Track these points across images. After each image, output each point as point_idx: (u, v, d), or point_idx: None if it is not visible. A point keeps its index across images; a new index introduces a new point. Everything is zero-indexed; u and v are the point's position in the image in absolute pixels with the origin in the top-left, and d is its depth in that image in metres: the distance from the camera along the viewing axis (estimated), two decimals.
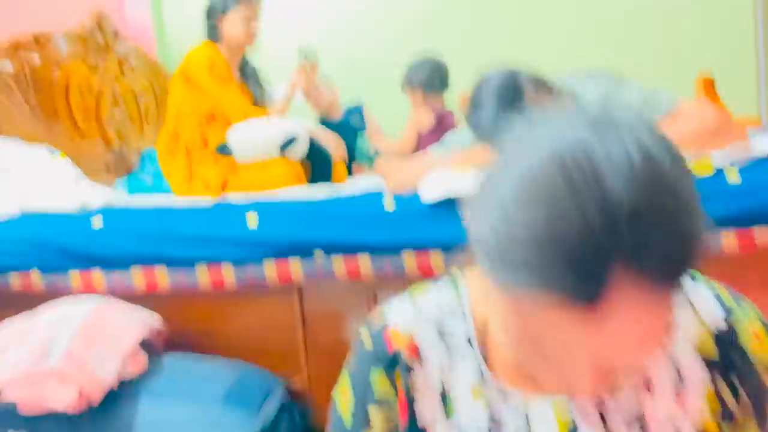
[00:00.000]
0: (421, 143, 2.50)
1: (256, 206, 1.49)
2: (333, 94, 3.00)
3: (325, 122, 3.05)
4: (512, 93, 1.37)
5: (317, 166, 2.53)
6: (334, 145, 2.58)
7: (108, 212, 1.66)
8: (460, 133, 1.60)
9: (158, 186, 2.54)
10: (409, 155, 2.53)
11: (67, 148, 2.40)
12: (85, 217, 1.62)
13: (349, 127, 3.06)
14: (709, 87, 1.81)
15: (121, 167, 2.75)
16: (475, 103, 1.43)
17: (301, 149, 2.42)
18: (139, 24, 3.49)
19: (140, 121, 2.96)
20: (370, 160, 2.71)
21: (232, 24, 2.49)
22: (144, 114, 2.98)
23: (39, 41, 2.31)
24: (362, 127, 3.03)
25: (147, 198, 2.25)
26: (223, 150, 2.37)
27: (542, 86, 1.41)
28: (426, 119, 2.50)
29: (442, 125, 2.49)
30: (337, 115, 3.02)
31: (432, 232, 1.36)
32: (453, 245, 1.35)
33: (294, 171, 2.38)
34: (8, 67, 2.15)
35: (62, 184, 2.00)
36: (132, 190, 2.52)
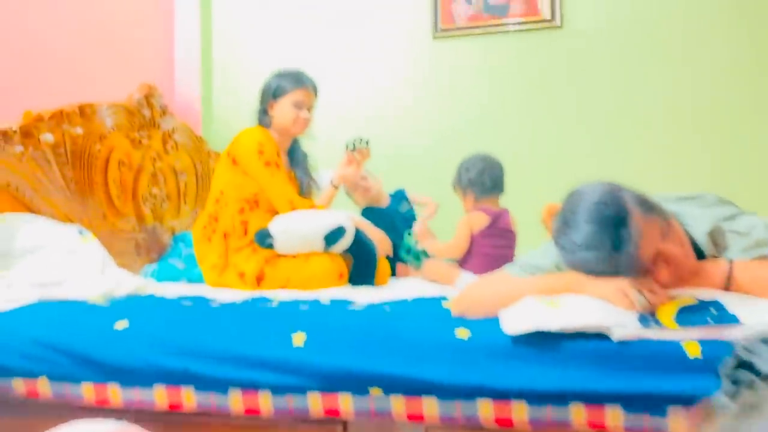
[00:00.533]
0: (474, 245, 2.29)
1: (304, 324, 1.27)
2: (378, 185, 2.86)
3: (369, 209, 2.90)
4: (613, 214, 1.18)
5: (360, 261, 2.34)
6: (379, 239, 2.40)
7: (132, 311, 1.46)
8: (543, 253, 1.39)
9: (190, 272, 2.36)
10: (459, 258, 2.32)
11: (99, 225, 2.26)
12: (106, 314, 1.42)
13: (395, 215, 2.90)
14: None
15: (153, 248, 2.59)
16: (566, 222, 1.23)
17: (346, 242, 2.23)
18: (187, 99, 3.45)
19: (178, 200, 2.82)
20: (417, 258, 2.50)
21: (282, 110, 2.40)
22: (183, 193, 2.85)
23: (84, 112, 2.21)
24: (410, 212, 2.86)
25: (176, 287, 2.07)
26: (263, 239, 2.20)
27: (648, 207, 1.21)
28: (479, 220, 2.29)
29: (497, 225, 2.28)
30: (384, 204, 2.87)
31: (515, 374, 1.13)
32: (538, 393, 1.15)
33: (336, 266, 2.19)
34: (49, 139, 2.03)
35: (88, 269, 1.83)
36: (162, 275, 2.34)
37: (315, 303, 1.68)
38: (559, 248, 1.26)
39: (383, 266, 2.47)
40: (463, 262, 2.30)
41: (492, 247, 2.26)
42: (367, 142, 2.52)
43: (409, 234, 2.54)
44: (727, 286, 1.22)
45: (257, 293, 1.95)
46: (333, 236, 2.18)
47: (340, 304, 1.66)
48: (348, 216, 2.36)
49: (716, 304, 1.15)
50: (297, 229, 2.19)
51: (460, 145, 3.33)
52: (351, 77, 3.47)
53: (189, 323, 1.36)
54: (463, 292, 1.38)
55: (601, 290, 1.17)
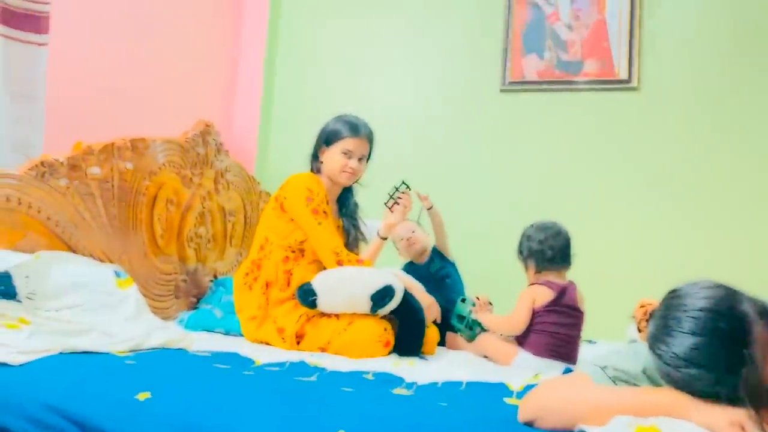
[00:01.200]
0: (535, 321, 2.06)
1: (346, 419, 1.08)
2: (426, 239, 2.69)
3: (411, 265, 2.72)
4: (729, 326, 0.97)
5: (407, 327, 2.15)
6: (428, 304, 2.21)
7: (158, 376, 1.31)
8: (631, 355, 1.18)
9: (228, 321, 2.22)
10: (518, 333, 2.10)
11: (139, 265, 2.15)
12: (129, 380, 1.27)
13: (441, 279, 2.72)
14: None
15: (193, 291, 2.47)
16: (667, 328, 1.03)
17: (394, 304, 2.06)
18: (244, 138, 3.38)
19: (224, 241, 2.71)
20: (470, 328, 2.29)
21: (331, 157, 2.28)
22: (230, 235, 2.75)
23: (136, 147, 2.13)
24: (445, 270, 2.67)
25: (210, 340, 1.92)
26: (307, 296, 2.04)
27: None
28: (542, 293, 2.07)
29: (562, 301, 2.06)
30: (424, 260, 2.69)
31: None
32: None
33: (382, 333, 2.01)
34: (96, 172, 1.94)
35: (120, 315, 1.70)
36: (197, 323, 2.21)
37: (359, 381, 1.50)
38: (656, 357, 1.05)
39: (432, 334, 2.27)
40: (522, 340, 2.08)
41: (555, 325, 2.03)
42: (408, 186, 2.35)
43: (463, 301, 2.33)
44: None
45: (296, 357, 1.78)
46: (380, 296, 2.01)
47: (385, 385, 1.47)
48: (396, 275, 2.19)
49: None
50: (342, 286, 2.03)
51: (525, 209, 3.15)
52: (413, 125, 3.35)
53: (218, 398, 1.19)
54: (533, 393, 1.18)
55: (710, 419, 0.96)
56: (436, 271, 2.68)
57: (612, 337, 2.96)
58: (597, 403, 1.08)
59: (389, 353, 2.04)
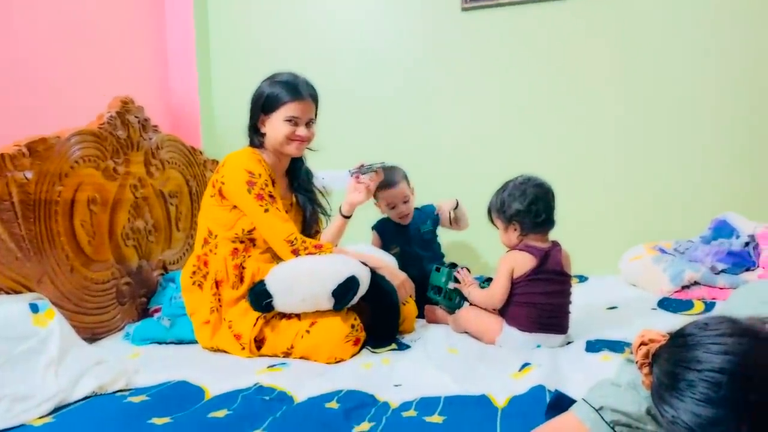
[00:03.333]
0: (518, 293, 1.83)
1: None
2: (412, 206, 2.44)
3: (386, 222, 2.48)
4: (761, 395, 0.74)
5: (380, 313, 1.93)
6: (400, 282, 1.98)
7: None
8: (628, 391, 0.97)
9: (180, 329, 1.99)
10: (498, 307, 1.88)
11: (65, 282, 1.88)
12: None
13: (431, 241, 2.50)
14: None
15: (140, 290, 2.22)
16: (675, 389, 0.80)
17: (359, 295, 1.83)
18: (184, 106, 3.01)
19: (169, 228, 2.43)
20: (450, 299, 2.08)
21: (274, 128, 1.97)
22: (174, 218, 2.46)
23: (35, 151, 1.79)
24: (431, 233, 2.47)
25: (156, 371, 1.69)
26: (260, 299, 1.80)
27: None
28: (524, 261, 1.82)
29: (545, 265, 1.82)
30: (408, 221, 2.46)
31: None
32: None
33: (348, 330, 1.79)
34: None
35: (38, 365, 1.46)
36: (146, 335, 1.97)
37: (317, 418, 1.29)
38: (661, 413, 0.83)
39: (409, 310, 2.06)
40: (506, 313, 1.87)
41: (541, 295, 1.81)
42: (384, 165, 2.10)
43: (438, 270, 2.10)
44: None
45: (252, 380, 1.56)
46: (343, 291, 1.77)
47: (349, 421, 1.26)
48: (362, 256, 1.94)
49: None
50: (299, 283, 1.78)
51: (485, 132, 2.90)
52: (368, 56, 3.03)
53: None
54: None
55: None
56: (426, 232, 2.46)
57: (604, 271, 2.79)
58: None
59: (361, 347, 1.84)
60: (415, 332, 2.04)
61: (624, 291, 2.47)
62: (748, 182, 2.76)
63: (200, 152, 2.70)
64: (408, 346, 1.87)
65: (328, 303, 1.78)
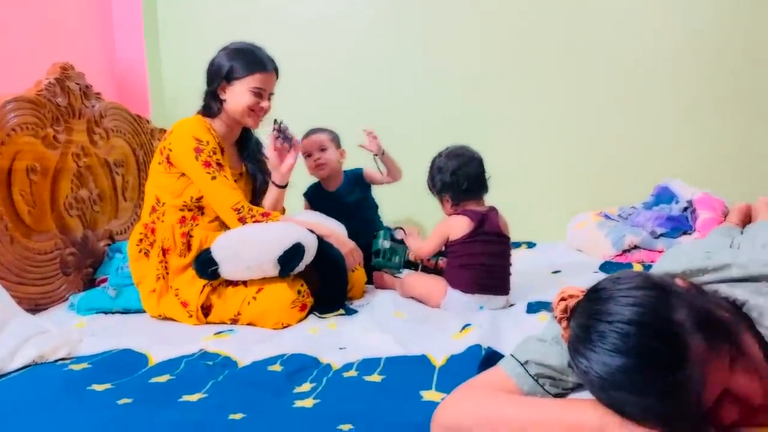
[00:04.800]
0: (458, 255, 1.88)
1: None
2: (338, 160, 2.40)
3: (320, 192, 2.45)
4: (661, 348, 0.78)
5: (328, 279, 1.96)
6: (349, 250, 2.00)
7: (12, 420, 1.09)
8: (553, 345, 1.02)
9: (126, 299, 1.98)
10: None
11: (6, 252, 1.85)
12: None
13: (362, 210, 2.46)
14: None
15: (86, 261, 2.19)
16: (588, 340, 0.84)
17: (305, 263, 1.84)
18: (131, 73, 2.93)
19: (115, 197, 2.39)
20: (392, 262, 2.12)
21: (236, 97, 1.94)
22: (121, 188, 2.42)
23: None
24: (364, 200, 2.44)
25: (100, 338, 1.68)
26: (205, 267, 1.80)
27: (711, 328, 0.81)
28: (459, 225, 1.86)
29: (482, 227, 1.87)
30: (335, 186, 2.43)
31: None
32: None
33: (294, 295, 1.81)
34: None
35: None
36: (91, 305, 1.96)
37: (261, 382, 1.31)
38: (580, 373, 0.87)
39: (358, 276, 2.09)
40: (449, 277, 1.91)
41: (481, 256, 1.86)
42: (291, 137, 2.07)
43: (375, 236, 2.14)
44: None
45: (197, 347, 1.57)
46: (288, 258, 1.79)
47: (290, 385, 1.29)
48: (310, 224, 1.95)
49: None
50: (245, 251, 1.79)
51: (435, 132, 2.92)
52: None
53: None
54: (445, 407, 1.00)
55: None
56: (356, 201, 2.44)
57: (553, 238, 2.86)
58: (518, 425, 0.91)
59: (308, 313, 1.87)
60: (363, 298, 2.08)
61: (569, 256, 2.55)
62: (693, 149, 2.86)
63: (147, 121, 2.65)
64: (355, 311, 1.90)
65: (273, 270, 1.79)
